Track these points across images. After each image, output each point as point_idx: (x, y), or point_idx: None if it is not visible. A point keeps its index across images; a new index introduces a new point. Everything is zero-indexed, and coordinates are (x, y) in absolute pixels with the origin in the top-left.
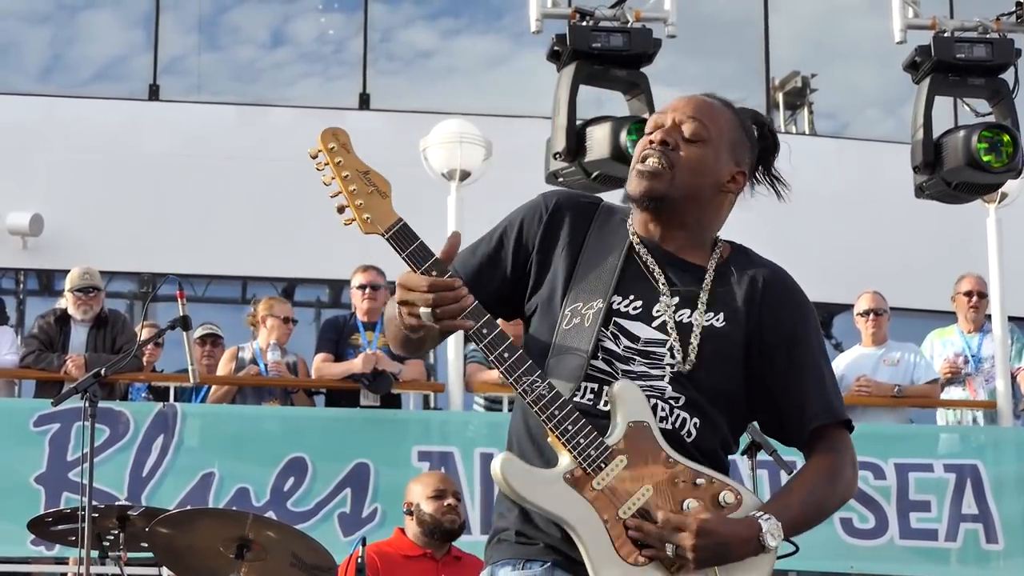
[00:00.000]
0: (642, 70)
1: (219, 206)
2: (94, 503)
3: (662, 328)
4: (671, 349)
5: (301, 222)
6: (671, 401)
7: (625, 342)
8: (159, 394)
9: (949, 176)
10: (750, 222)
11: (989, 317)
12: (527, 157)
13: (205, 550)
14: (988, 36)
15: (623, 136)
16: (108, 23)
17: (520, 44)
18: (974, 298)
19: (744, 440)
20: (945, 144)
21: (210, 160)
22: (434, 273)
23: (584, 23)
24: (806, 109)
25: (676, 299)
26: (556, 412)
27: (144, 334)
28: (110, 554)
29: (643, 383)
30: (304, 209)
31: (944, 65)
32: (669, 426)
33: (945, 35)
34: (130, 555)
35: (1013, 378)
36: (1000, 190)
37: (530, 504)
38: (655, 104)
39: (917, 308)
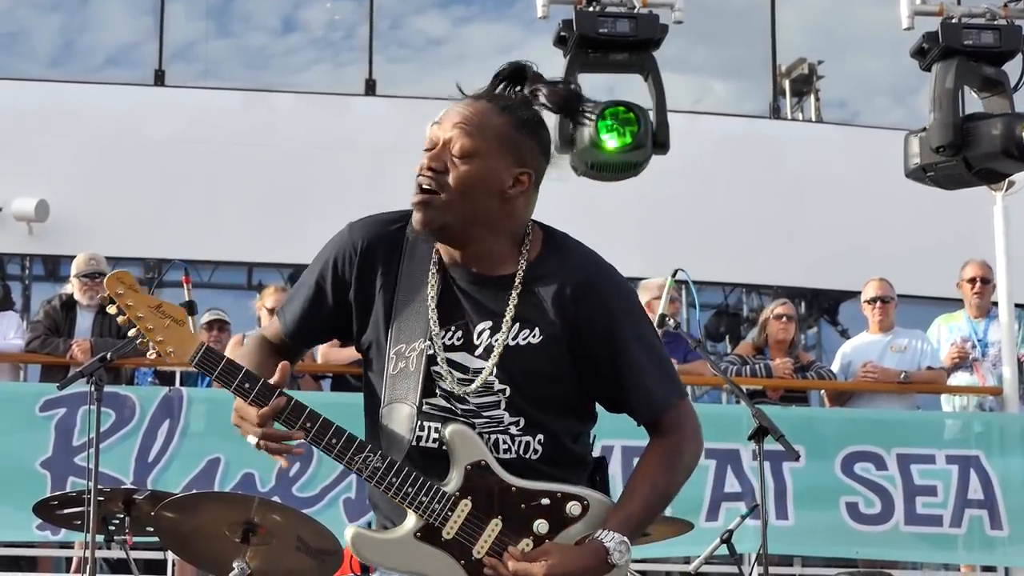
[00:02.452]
0: (651, 54)
1: (225, 192)
2: (99, 487)
3: (485, 355)
4: (497, 377)
5: (307, 207)
6: (511, 428)
7: (457, 375)
8: (165, 379)
9: (977, 161)
10: (757, 210)
11: (996, 303)
12: None
13: (210, 534)
14: (996, 22)
15: (595, 123)
16: (118, 10)
17: (531, 31)
18: (978, 284)
19: (751, 425)
20: (978, 129)
21: (216, 145)
22: (253, 398)
23: (591, 8)
24: (812, 96)
25: (487, 324)
26: (393, 480)
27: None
28: (115, 538)
29: (483, 417)
30: (310, 194)
31: (952, 51)
32: (513, 455)
33: (953, 21)
34: (135, 539)
35: (1020, 364)
36: (1008, 178)
37: (389, 569)
38: (664, 89)
39: (924, 295)
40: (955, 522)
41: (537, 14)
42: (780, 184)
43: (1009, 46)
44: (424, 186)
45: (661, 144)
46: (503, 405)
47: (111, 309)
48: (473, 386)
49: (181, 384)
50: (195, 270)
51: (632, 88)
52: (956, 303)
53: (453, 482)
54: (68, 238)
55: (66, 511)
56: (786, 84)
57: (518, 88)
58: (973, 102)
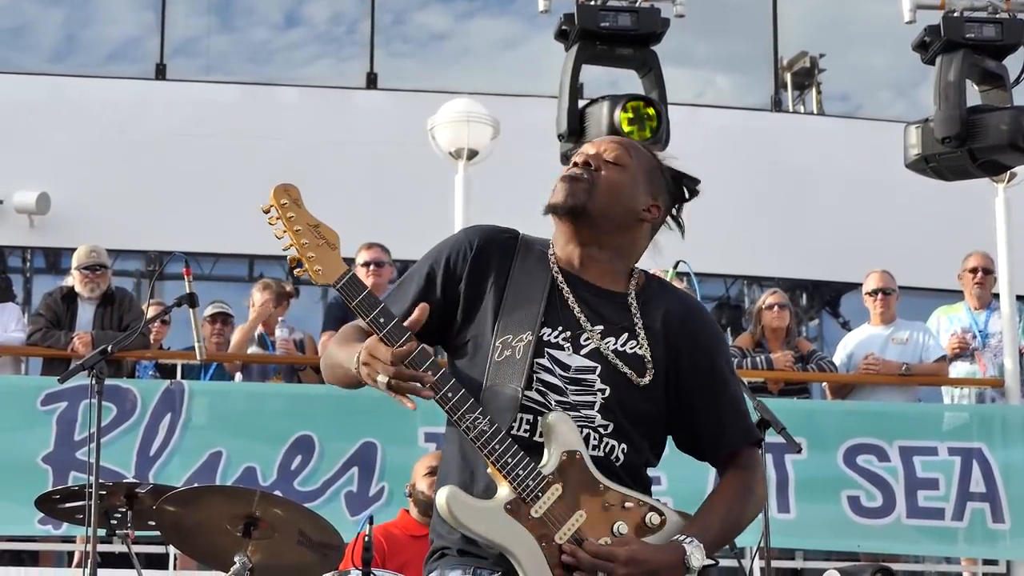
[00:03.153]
0: (652, 48)
1: (226, 184)
2: (101, 481)
3: (591, 357)
4: (599, 377)
5: (308, 201)
6: (600, 429)
7: (558, 371)
8: (166, 372)
9: (982, 153)
10: (759, 202)
11: (997, 295)
12: (535, 137)
13: (212, 528)
14: (998, 16)
15: (617, 113)
16: (121, 4)
17: (534, 26)
18: (979, 274)
19: (752, 416)
20: (985, 121)
21: (216, 139)
22: (386, 333)
23: (592, 2)
24: (814, 89)
25: (600, 328)
26: (496, 447)
27: (151, 312)
28: (117, 532)
29: (575, 413)
30: (311, 188)
31: (954, 45)
32: (600, 453)
33: (955, 15)
34: (137, 533)
35: (1021, 355)
36: (1009, 170)
37: (474, 534)
38: (666, 83)
39: (926, 287)
40: (957, 515)
41: (539, 8)
42: (781, 177)
43: (1011, 40)
44: (575, 173)
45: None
46: (598, 406)
47: (270, 220)
48: (577, 386)
49: (182, 377)
50: (196, 262)
51: (635, 81)
52: (957, 295)
53: (549, 465)
54: (69, 231)
55: (68, 505)
56: (788, 77)
57: None
58: (974, 95)
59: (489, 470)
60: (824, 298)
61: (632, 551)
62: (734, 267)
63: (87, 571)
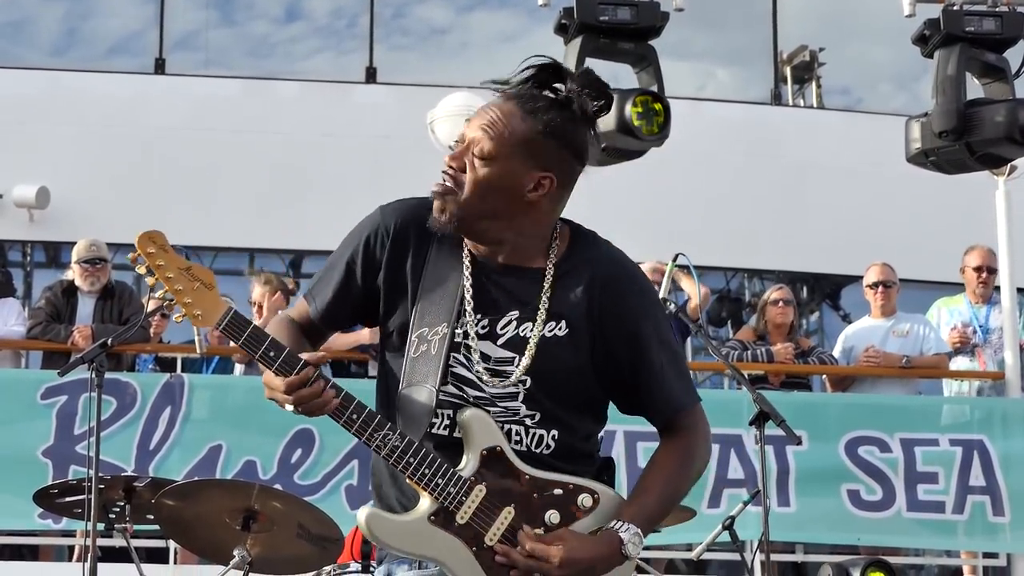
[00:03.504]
0: (650, 43)
1: (226, 178)
2: (100, 475)
3: (509, 345)
4: (521, 366)
5: (307, 194)
6: (526, 420)
7: (478, 364)
8: (166, 365)
9: (979, 146)
10: (759, 195)
11: (998, 289)
12: None
13: (211, 521)
14: (997, 9)
15: (627, 108)
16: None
17: (534, 19)
18: (983, 274)
19: (752, 410)
20: (981, 114)
21: (216, 133)
22: (278, 366)
23: None
24: (814, 83)
25: (517, 312)
26: (411, 460)
27: (151, 305)
28: (116, 526)
29: (498, 407)
30: (310, 182)
31: (953, 38)
32: (525, 448)
33: (954, 8)
34: (136, 527)
35: (1022, 349)
36: (1010, 163)
37: (400, 551)
38: (666, 76)
39: (926, 280)
40: (957, 508)
41: (538, 2)
42: (781, 170)
43: (1011, 33)
44: (439, 189)
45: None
46: (521, 397)
47: (140, 269)
48: (497, 377)
49: (182, 371)
50: (196, 256)
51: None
52: (958, 287)
53: (469, 466)
54: (69, 225)
55: (67, 499)
56: (787, 71)
57: (551, 87)
58: (975, 88)
59: (409, 482)
60: (824, 291)
61: (566, 550)
62: (734, 260)
63: (87, 565)
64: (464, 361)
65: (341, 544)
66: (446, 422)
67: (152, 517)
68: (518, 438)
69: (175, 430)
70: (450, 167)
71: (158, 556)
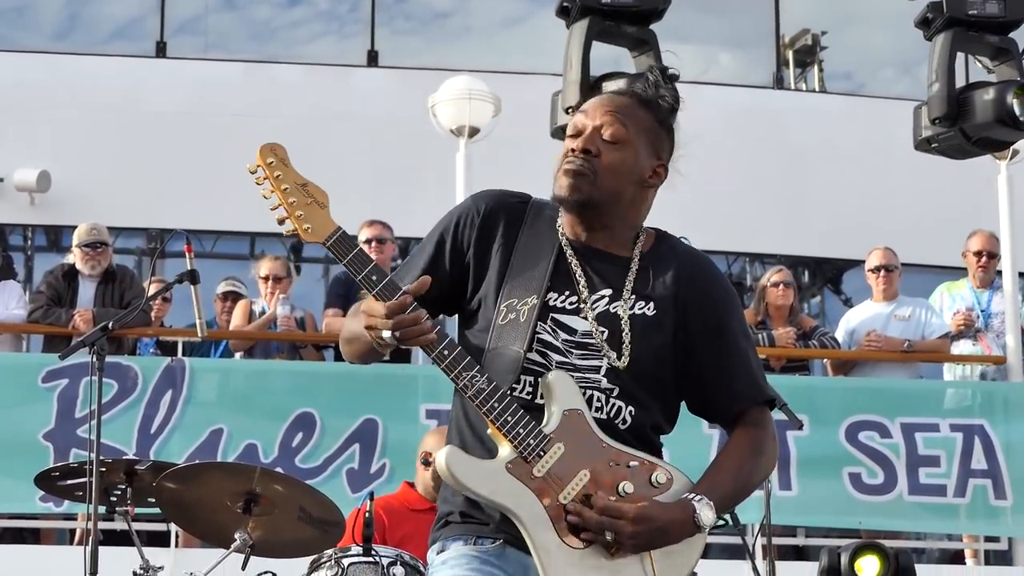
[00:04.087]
0: (652, 27)
1: (227, 162)
2: (101, 458)
3: (596, 321)
4: (605, 341)
5: (309, 176)
6: (606, 392)
7: (563, 335)
8: (167, 349)
9: (973, 130)
10: (761, 179)
11: (999, 273)
12: (536, 114)
13: (213, 504)
14: None
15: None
16: None
17: (536, 3)
18: (983, 258)
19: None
20: (973, 98)
21: (217, 117)
22: (380, 290)
23: None
24: (816, 67)
25: (606, 292)
26: (495, 405)
27: (152, 289)
28: (117, 509)
29: (579, 375)
30: (311, 165)
31: (957, 21)
32: (604, 415)
33: None
34: (137, 510)
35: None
36: (1012, 146)
37: (474, 494)
38: (670, 60)
39: (928, 264)
40: (959, 492)
41: None
42: (784, 154)
43: (1014, 16)
44: (577, 166)
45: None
46: (603, 371)
47: (257, 180)
48: (582, 350)
49: (183, 354)
50: (197, 240)
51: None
52: (960, 272)
53: (551, 424)
54: (70, 208)
55: (68, 482)
56: (789, 55)
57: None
58: (979, 73)
59: (489, 430)
60: (826, 275)
61: (641, 508)
62: (736, 244)
63: (88, 549)
64: (550, 331)
65: (342, 527)
66: (528, 389)
67: (153, 500)
68: (599, 404)
69: (176, 413)
70: (585, 149)
71: (159, 539)
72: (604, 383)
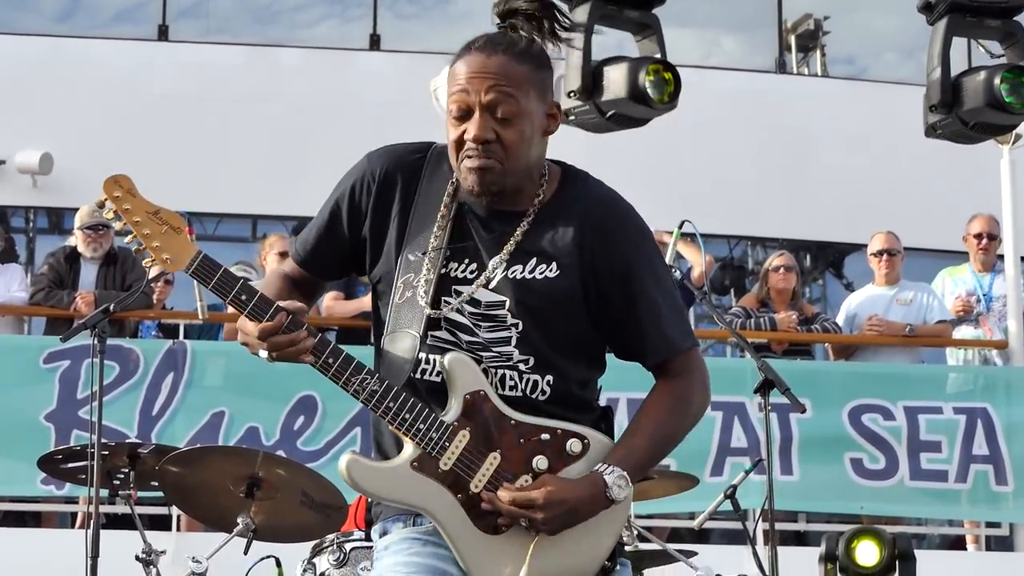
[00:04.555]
0: (654, 11)
1: (229, 145)
2: (104, 441)
3: (499, 289)
4: (510, 310)
5: (311, 161)
6: (519, 365)
7: (468, 308)
8: (169, 332)
9: (967, 116)
10: (763, 163)
11: (1001, 257)
12: None
13: (215, 488)
14: None
15: (642, 76)
16: None
17: None
18: (984, 240)
19: (756, 378)
20: (965, 84)
21: (220, 100)
22: (250, 311)
23: None
24: (818, 51)
25: (507, 255)
26: (391, 405)
27: (153, 272)
28: (120, 492)
29: (492, 351)
30: (313, 149)
31: (959, 6)
32: (519, 393)
33: None
34: (140, 494)
35: None
36: (1014, 131)
37: (383, 499)
38: (672, 44)
39: (930, 248)
40: (960, 477)
41: None
42: (786, 138)
43: (1018, 0)
44: (481, 162)
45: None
46: (514, 341)
47: (107, 214)
48: (489, 322)
49: (185, 337)
50: (199, 222)
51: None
52: (962, 256)
53: (452, 411)
54: (72, 191)
55: (70, 465)
56: (792, 39)
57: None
58: (983, 59)
59: (391, 428)
60: (828, 259)
61: (549, 492)
62: (738, 228)
63: (90, 532)
64: (456, 306)
65: (344, 512)
66: (437, 369)
67: (156, 484)
68: (512, 383)
69: (178, 396)
70: (483, 142)
71: (161, 523)
72: (517, 355)
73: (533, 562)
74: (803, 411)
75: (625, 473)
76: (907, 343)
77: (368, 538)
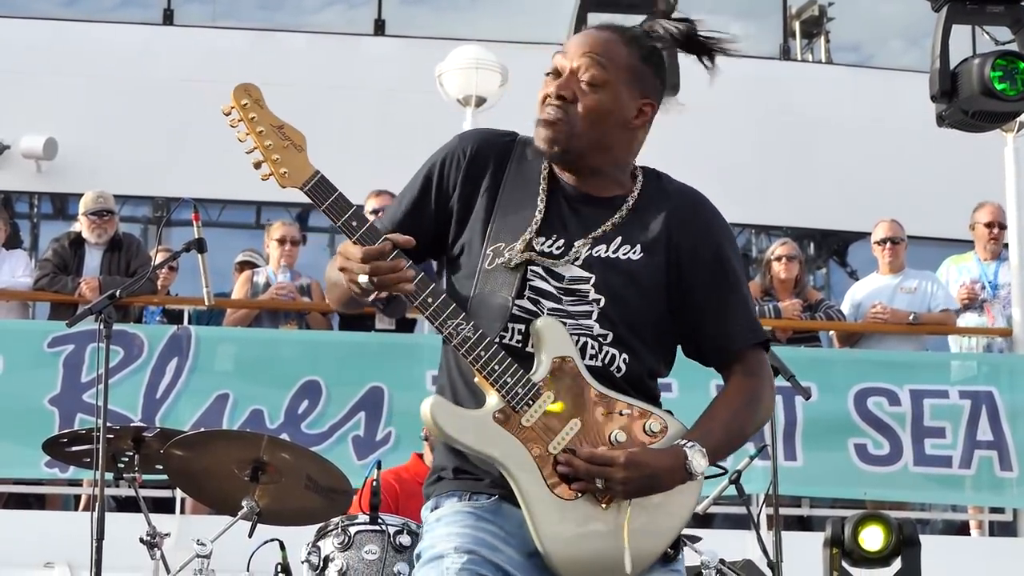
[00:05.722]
0: None
1: (233, 131)
2: (108, 424)
3: (585, 266)
4: (594, 287)
5: (315, 147)
6: (600, 338)
7: (552, 281)
8: (173, 317)
9: (965, 105)
10: (767, 151)
11: (1006, 245)
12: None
13: (220, 472)
14: None
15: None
16: None
17: None
18: (995, 229)
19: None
20: (960, 73)
21: (224, 85)
22: (360, 236)
23: None
24: (823, 38)
25: (593, 236)
26: (482, 353)
27: (158, 258)
28: (124, 476)
29: (571, 322)
30: (318, 134)
31: None
32: (599, 363)
33: None
34: (144, 477)
35: None
36: (1018, 119)
37: (461, 444)
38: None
39: (934, 236)
40: (964, 463)
41: None
42: (790, 125)
43: None
44: (552, 116)
45: (673, 85)
46: (595, 315)
47: (231, 122)
48: (572, 296)
49: (189, 323)
50: (203, 208)
51: None
52: (967, 244)
53: (540, 371)
54: (76, 176)
55: (75, 448)
56: (796, 26)
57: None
58: (987, 46)
59: (477, 379)
60: (832, 247)
61: (631, 455)
62: (742, 216)
63: (95, 515)
64: (540, 276)
65: (349, 496)
66: (517, 336)
67: (160, 467)
68: (593, 352)
69: (182, 380)
70: (560, 96)
71: (165, 506)
72: (597, 329)
73: (602, 531)
74: (808, 397)
75: (705, 450)
76: (911, 331)
77: (372, 522)
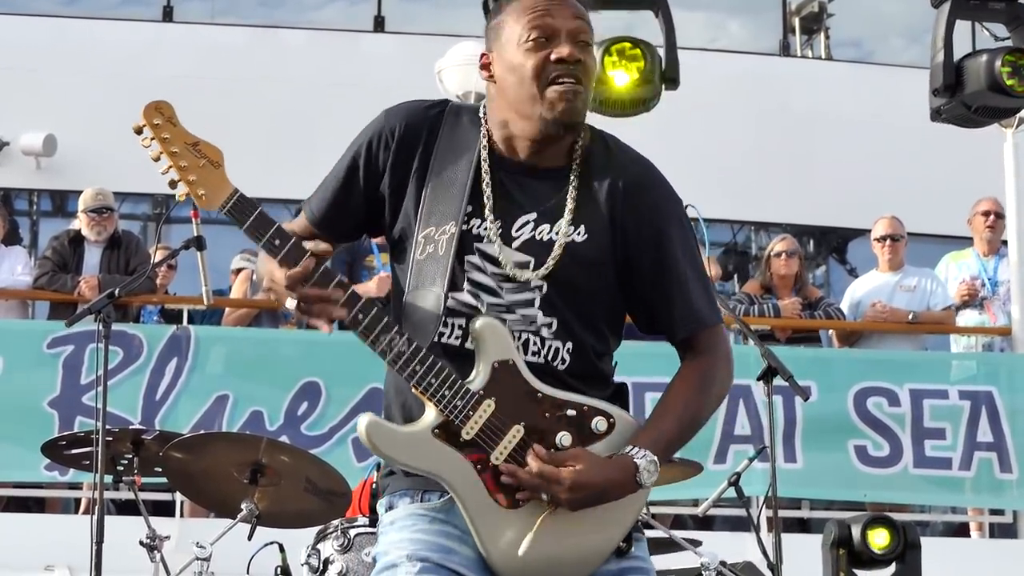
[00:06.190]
0: None
1: (233, 128)
2: (108, 427)
3: (525, 248)
4: (535, 271)
5: (315, 143)
6: (543, 329)
7: (490, 268)
8: (171, 317)
9: (970, 99)
10: (766, 147)
11: (1006, 242)
12: None
13: (219, 474)
14: None
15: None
16: None
17: None
18: (991, 218)
19: (760, 365)
20: (967, 67)
21: (224, 82)
22: (283, 256)
23: None
24: (822, 34)
25: (534, 214)
26: (417, 368)
27: (158, 256)
28: (124, 478)
29: (512, 315)
30: (318, 131)
31: None
32: (541, 360)
33: None
34: (144, 480)
35: None
36: (1018, 115)
37: (401, 464)
38: (674, 24)
39: (934, 233)
40: (964, 465)
41: None
42: (790, 122)
43: None
44: (575, 87)
45: (672, 79)
46: (538, 303)
47: (144, 142)
48: (512, 283)
49: (188, 322)
50: None
51: (649, 26)
52: (966, 241)
53: (478, 379)
54: (76, 173)
55: (74, 451)
56: (796, 22)
57: None
58: (987, 42)
59: (414, 392)
60: (831, 244)
61: (577, 473)
62: (741, 213)
63: (94, 518)
64: (476, 265)
65: (348, 498)
66: (457, 332)
67: (160, 470)
68: (535, 348)
69: (181, 380)
70: (577, 59)
71: (165, 509)
72: (540, 317)
73: (547, 538)
74: (807, 398)
75: (656, 458)
76: (911, 330)
77: (372, 524)
